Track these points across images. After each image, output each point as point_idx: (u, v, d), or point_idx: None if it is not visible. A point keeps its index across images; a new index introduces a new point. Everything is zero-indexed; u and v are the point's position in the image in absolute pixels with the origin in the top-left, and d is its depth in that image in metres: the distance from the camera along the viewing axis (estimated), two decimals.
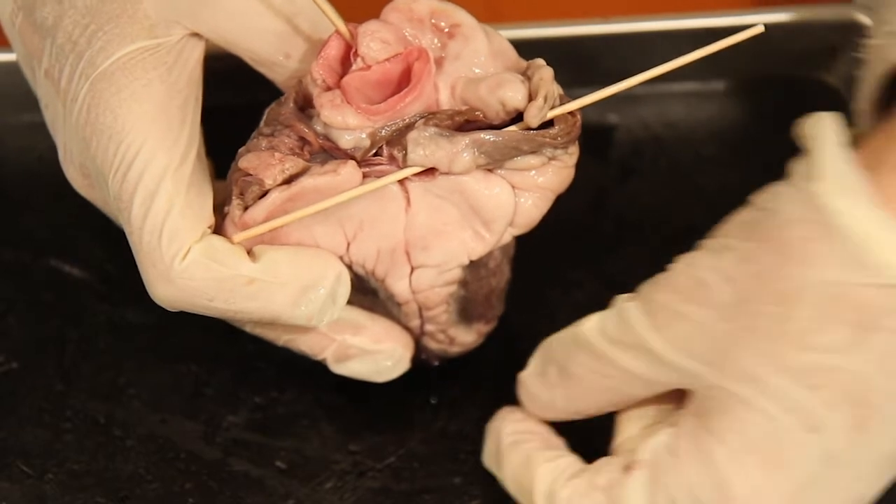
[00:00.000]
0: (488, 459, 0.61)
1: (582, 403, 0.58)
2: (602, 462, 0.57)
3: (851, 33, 0.71)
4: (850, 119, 0.72)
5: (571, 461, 0.58)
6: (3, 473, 0.63)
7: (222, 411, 0.65)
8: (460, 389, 0.65)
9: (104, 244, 0.69)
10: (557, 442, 0.60)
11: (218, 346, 0.66)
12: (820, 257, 0.50)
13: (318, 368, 0.65)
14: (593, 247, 0.69)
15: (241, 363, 0.66)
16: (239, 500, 0.62)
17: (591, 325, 0.56)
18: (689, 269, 0.53)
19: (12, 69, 0.69)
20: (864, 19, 0.71)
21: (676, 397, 0.56)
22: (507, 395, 0.63)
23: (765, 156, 0.72)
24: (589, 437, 0.59)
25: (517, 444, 0.59)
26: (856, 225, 0.49)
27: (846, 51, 0.72)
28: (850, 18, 0.71)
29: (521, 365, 0.63)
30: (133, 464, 0.63)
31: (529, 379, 0.59)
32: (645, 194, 0.70)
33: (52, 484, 0.63)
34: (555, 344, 0.58)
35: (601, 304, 0.66)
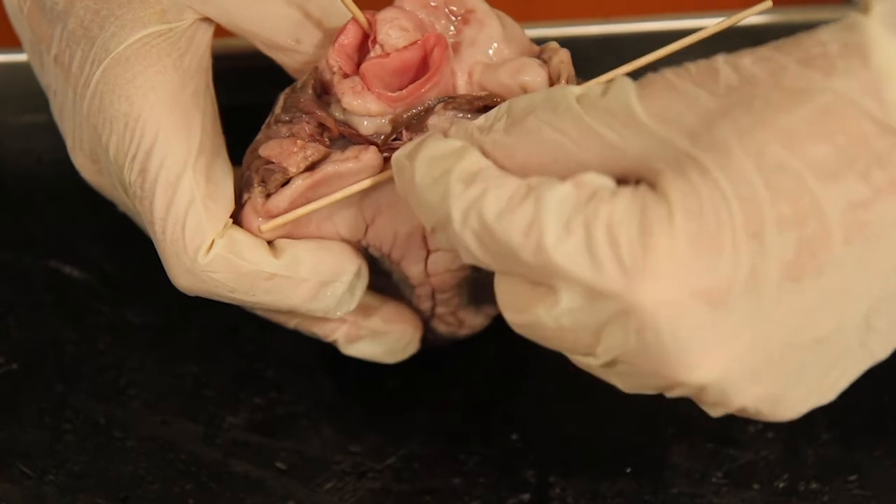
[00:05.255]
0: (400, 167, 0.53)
1: (517, 159, 0.49)
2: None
3: None
4: None
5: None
6: (4, 474, 0.63)
7: (222, 412, 0.65)
8: (460, 390, 0.65)
9: (104, 245, 0.69)
10: None
11: (218, 346, 0.66)
12: (842, 72, 0.46)
13: (318, 369, 0.66)
14: None
15: (241, 363, 0.66)
16: (239, 500, 0.62)
17: (572, 89, 0.49)
18: (703, 61, 0.49)
19: (12, 70, 0.69)
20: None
21: None
22: (507, 395, 0.63)
23: None
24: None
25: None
26: (888, 58, 0.46)
27: None
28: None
29: (521, 366, 0.63)
30: (133, 465, 0.63)
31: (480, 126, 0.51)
32: None
33: (52, 485, 0.63)
34: (519, 101, 0.50)
35: None
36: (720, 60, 0.48)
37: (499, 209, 0.48)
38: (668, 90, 0.48)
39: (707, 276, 0.45)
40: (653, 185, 0.47)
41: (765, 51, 0.48)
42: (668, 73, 0.48)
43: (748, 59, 0.48)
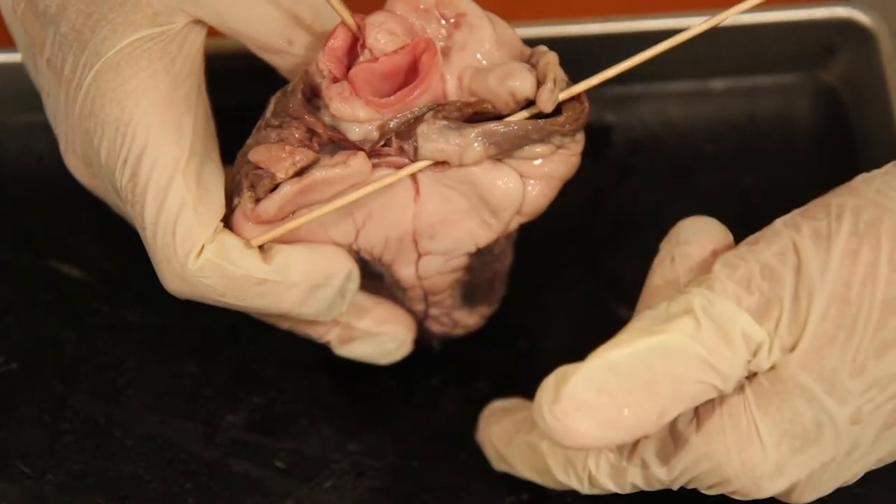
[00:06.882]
0: (498, 465, 0.61)
1: (664, 414, 0.52)
2: None
3: (851, 33, 0.71)
4: (848, 118, 0.73)
5: None
6: (3, 474, 0.63)
7: (221, 411, 0.65)
8: (459, 390, 0.65)
9: (104, 244, 0.69)
10: None
11: (217, 346, 0.66)
12: None
13: (317, 368, 0.66)
14: (591, 247, 0.69)
15: (240, 363, 0.66)
16: (238, 500, 0.62)
17: (680, 335, 0.51)
18: (785, 255, 0.51)
19: (12, 69, 0.69)
20: (864, 19, 0.71)
21: None
22: (505, 394, 0.63)
23: (764, 155, 0.72)
24: None
25: (513, 441, 0.59)
26: None
27: (845, 51, 0.72)
28: (849, 18, 0.71)
29: (519, 365, 0.63)
30: (133, 464, 0.64)
31: (581, 396, 0.51)
32: (643, 194, 0.70)
33: (51, 484, 0.63)
34: (622, 360, 0.51)
35: (599, 304, 0.67)
36: (810, 260, 0.51)
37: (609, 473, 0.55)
38: (771, 304, 0.51)
39: (813, 462, 0.52)
40: (757, 394, 0.52)
41: (842, 235, 0.50)
42: (758, 275, 0.51)
43: (835, 257, 0.51)
